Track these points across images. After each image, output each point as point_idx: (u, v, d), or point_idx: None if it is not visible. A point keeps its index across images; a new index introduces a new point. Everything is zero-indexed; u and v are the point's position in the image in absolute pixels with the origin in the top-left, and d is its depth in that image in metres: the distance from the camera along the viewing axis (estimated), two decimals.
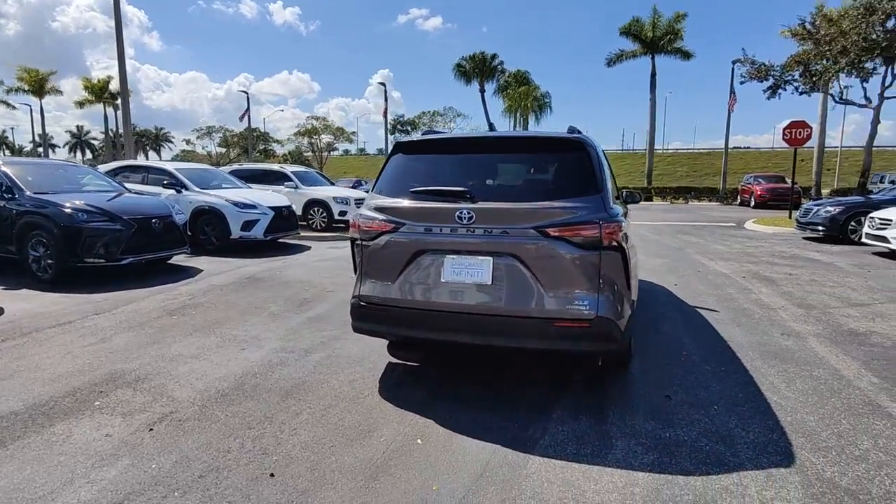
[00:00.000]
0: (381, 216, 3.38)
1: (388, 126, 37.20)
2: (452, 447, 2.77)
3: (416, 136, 3.98)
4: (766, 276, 7.58)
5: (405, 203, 3.33)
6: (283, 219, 10.08)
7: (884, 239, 9.27)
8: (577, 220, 2.99)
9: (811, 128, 15.66)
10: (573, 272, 3.02)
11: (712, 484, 2.40)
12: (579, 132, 3.68)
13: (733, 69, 31.51)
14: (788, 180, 28.63)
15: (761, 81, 18.51)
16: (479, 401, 3.33)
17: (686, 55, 33.89)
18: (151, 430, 2.92)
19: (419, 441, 2.83)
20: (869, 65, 16.36)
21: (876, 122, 17.27)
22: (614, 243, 3.02)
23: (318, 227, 13.15)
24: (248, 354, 4.16)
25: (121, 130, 51.78)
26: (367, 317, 3.49)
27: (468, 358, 4.07)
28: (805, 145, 16.00)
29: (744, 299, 6.13)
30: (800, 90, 18.17)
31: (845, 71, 16.41)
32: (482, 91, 36.46)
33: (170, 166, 10.22)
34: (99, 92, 45.23)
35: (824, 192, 31.46)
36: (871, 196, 13.93)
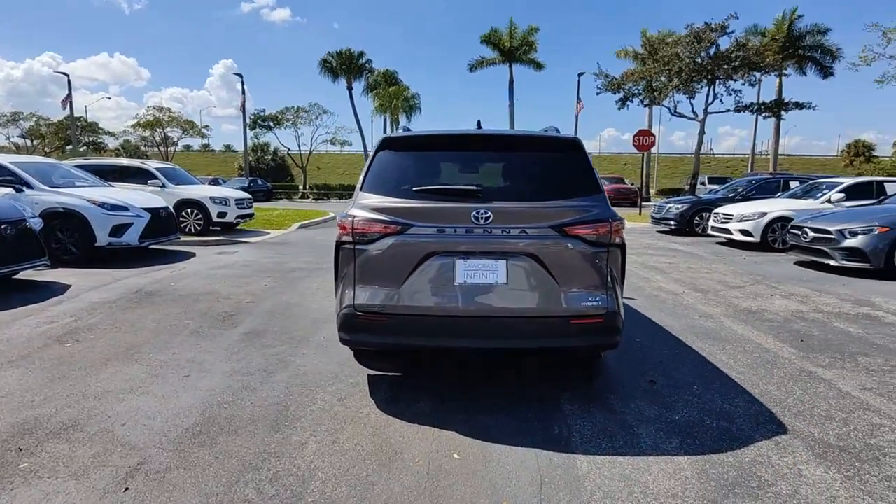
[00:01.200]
0: (382, 217, 3.10)
1: (248, 121, 34.49)
2: (493, 457, 2.65)
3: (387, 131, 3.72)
4: (653, 266, 8.57)
5: (412, 203, 3.09)
6: (162, 222, 8.78)
7: (727, 230, 11.07)
8: (592, 219, 3.06)
9: (654, 136, 18.12)
10: (586, 269, 3.08)
11: (742, 457, 2.63)
12: (558, 130, 3.79)
13: (579, 80, 35.15)
14: (627, 181, 32.93)
15: (614, 93, 20.96)
16: (485, 405, 3.23)
17: (538, 66, 36.87)
18: (127, 489, 2.33)
19: (456, 456, 2.66)
20: (697, 85, 19.50)
21: (702, 133, 20.71)
22: (618, 240, 3.15)
23: (193, 231, 11.71)
24: (198, 382, 3.54)
25: None
26: (363, 328, 3.18)
27: (448, 362, 3.94)
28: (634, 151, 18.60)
29: (649, 287, 6.85)
30: (644, 103, 20.96)
31: (678, 89, 19.36)
32: (350, 89, 35.70)
33: (2, 159, 8.26)
34: None
35: (651, 191, 36.58)
36: (702, 195, 16.55)
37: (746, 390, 3.48)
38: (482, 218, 3.00)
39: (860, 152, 54.09)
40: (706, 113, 20.10)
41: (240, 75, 33.96)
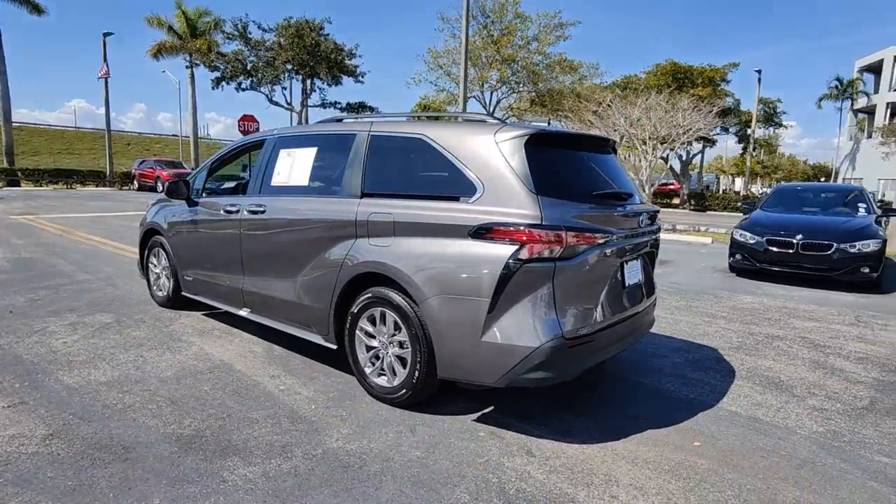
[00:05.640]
0: (591, 225, 2.71)
1: None
2: (734, 449, 2.93)
3: (525, 126, 3.00)
4: None
5: (606, 210, 2.84)
6: None
7: None
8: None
9: (258, 122, 17.73)
10: (655, 257, 3.68)
11: (785, 373, 3.97)
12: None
13: (104, 41, 29.32)
14: (185, 166, 30.19)
15: (212, 71, 18.75)
16: (626, 412, 3.29)
17: (37, 9, 28.08)
18: None
19: (701, 460, 2.84)
20: (296, 77, 19.95)
21: (301, 124, 21.38)
22: None
23: None
24: None
25: None
26: (570, 359, 2.72)
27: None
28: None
29: None
30: (243, 86, 19.77)
31: (277, 79, 19.34)
32: None
33: None
34: None
35: None
36: None
37: (687, 339, 4.78)
38: (643, 221, 3.12)
39: None
40: (304, 106, 21.13)
41: None
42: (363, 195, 3.28)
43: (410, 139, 3.20)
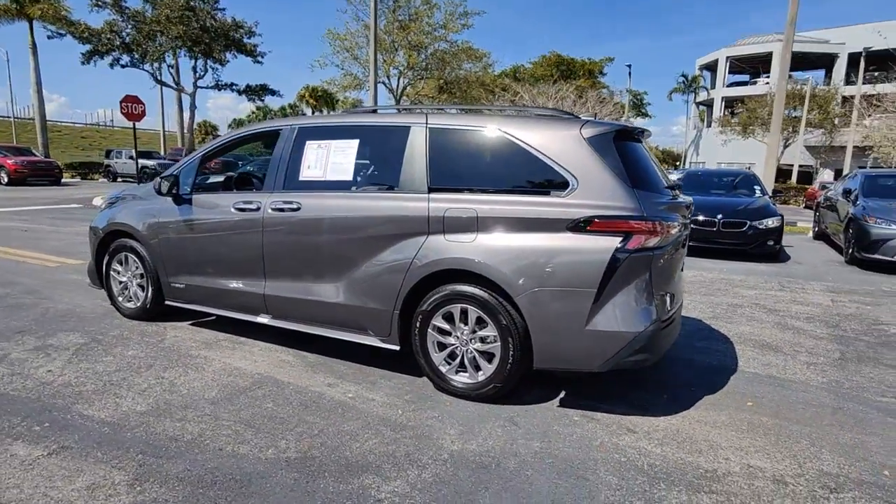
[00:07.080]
0: (672, 215, 2.99)
1: None
2: (780, 404, 3.42)
3: (606, 122, 3.07)
4: None
5: (672, 200, 3.11)
6: None
7: None
8: None
9: (144, 104, 15.67)
10: None
11: (778, 338, 4.56)
12: None
13: None
14: (36, 152, 25.79)
15: (82, 43, 15.87)
16: (694, 392, 3.67)
17: None
18: None
19: (764, 418, 3.25)
20: (188, 56, 17.64)
21: (193, 106, 19.05)
22: None
23: None
24: None
25: None
26: (664, 340, 3.01)
27: None
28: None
29: None
30: (122, 63, 17.07)
31: (162, 57, 17.02)
32: None
33: None
34: None
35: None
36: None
37: None
38: (691, 211, 3.42)
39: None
40: (196, 87, 18.81)
41: None
42: (430, 190, 3.18)
43: (480, 132, 3.16)
